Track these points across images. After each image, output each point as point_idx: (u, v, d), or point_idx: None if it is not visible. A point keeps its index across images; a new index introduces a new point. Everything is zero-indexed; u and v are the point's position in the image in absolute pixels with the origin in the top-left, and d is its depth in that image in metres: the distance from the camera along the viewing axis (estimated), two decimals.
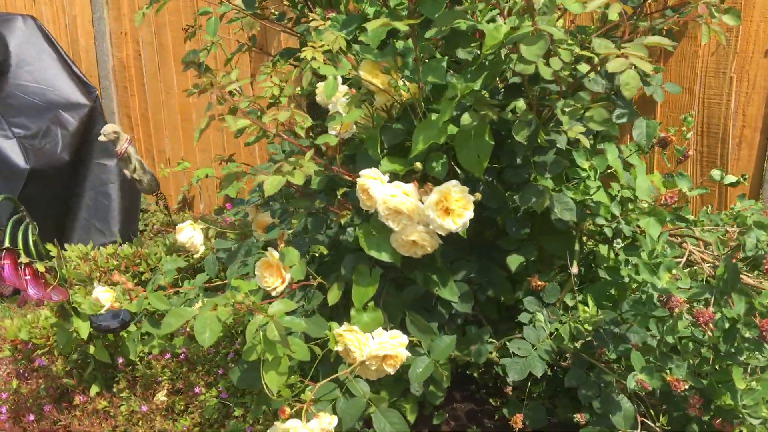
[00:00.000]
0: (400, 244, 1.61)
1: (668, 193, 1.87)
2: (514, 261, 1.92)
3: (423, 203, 1.57)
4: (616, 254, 2.04)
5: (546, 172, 1.66)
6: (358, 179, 1.61)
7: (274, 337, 1.45)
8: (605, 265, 2.05)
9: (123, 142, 2.54)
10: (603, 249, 2.07)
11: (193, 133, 3.95)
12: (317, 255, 1.88)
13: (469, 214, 1.56)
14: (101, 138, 2.50)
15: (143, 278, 2.34)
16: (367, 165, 1.71)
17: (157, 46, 4.01)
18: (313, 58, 1.64)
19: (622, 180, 1.88)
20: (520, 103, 1.60)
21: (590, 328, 1.78)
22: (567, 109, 1.54)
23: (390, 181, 1.60)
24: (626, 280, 1.94)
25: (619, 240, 2.02)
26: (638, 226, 1.93)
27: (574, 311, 1.97)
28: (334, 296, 1.73)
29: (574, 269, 1.97)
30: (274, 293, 1.64)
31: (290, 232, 1.91)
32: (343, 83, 1.87)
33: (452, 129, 1.66)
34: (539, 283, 1.96)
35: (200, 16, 2.06)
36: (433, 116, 1.60)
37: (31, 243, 1.75)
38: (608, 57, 1.37)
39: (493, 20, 1.59)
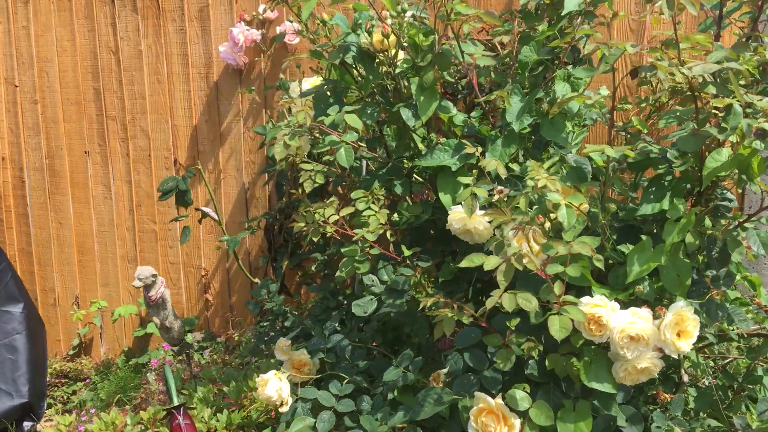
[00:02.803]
0: (628, 373, 1.55)
1: None
2: None
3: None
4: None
5: (721, 286, 1.71)
6: (584, 308, 1.53)
7: None
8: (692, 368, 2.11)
9: (159, 285, 2.16)
10: (692, 354, 2.14)
11: (95, 267, 3.50)
12: None
13: (697, 334, 1.55)
14: (136, 283, 2.11)
15: None
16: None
17: (48, 173, 3.54)
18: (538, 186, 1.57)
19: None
20: (707, 221, 1.64)
21: None
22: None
23: None
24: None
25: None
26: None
27: (693, 420, 2.00)
28: None
29: (685, 377, 2.02)
30: None
31: (445, 370, 1.75)
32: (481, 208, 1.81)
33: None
34: (666, 395, 1.97)
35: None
36: (644, 237, 1.59)
37: None
38: None
39: None
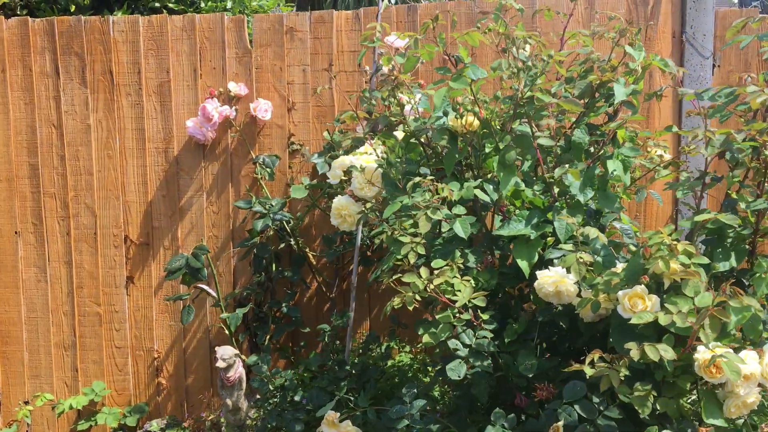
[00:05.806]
0: (738, 408, 1.81)
1: None
2: None
3: None
4: None
5: None
6: (701, 356, 1.77)
7: None
8: None
9: (238, 365, 2.05)
10: None
11: (22, 357, 3.21)
12: None
13: None
14: (220, 364, 1.99)
15: None
16: None
17: None
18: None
19: None
20: None
21: None
22: None
23: None
24: None
25: None
26: None
27: None
28: None
29: None
30: None
31: (561, 423, 1.90)
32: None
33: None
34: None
35: None
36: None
37: None
38: None
39: None
